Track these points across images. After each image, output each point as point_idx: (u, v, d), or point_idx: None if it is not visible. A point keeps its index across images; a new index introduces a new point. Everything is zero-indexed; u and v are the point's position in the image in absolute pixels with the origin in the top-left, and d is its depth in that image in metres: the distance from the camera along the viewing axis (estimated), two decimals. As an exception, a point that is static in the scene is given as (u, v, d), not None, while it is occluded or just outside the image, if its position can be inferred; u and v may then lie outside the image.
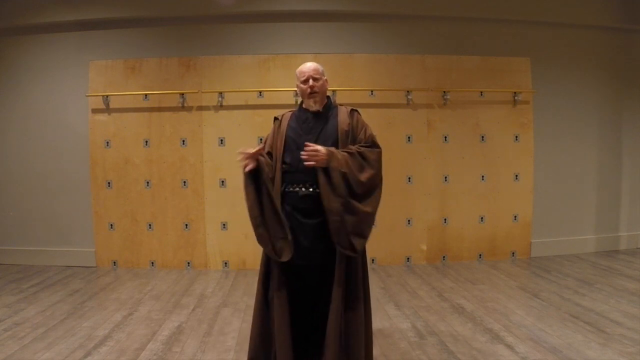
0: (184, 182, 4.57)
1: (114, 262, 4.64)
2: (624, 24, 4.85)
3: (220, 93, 4.50)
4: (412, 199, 4.65)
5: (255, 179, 2.11)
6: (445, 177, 4.68)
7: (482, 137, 4.71)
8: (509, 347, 2.64)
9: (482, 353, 2.57)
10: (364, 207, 2.11)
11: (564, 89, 4.83)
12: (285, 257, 2.10)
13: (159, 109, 4.57)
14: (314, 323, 2.22)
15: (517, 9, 4.63)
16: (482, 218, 4.73)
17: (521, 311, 3.22)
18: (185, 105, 4.53)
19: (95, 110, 4.59)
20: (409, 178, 4.64)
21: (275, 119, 2.38)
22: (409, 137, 4.64)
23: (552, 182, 4.83)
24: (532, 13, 4.66)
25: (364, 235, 2.12)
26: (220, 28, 4.57)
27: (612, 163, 5.00)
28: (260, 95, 4.54)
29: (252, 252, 4.51)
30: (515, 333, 2.83)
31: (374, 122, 4.36)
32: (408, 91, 4.57)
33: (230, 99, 4.53)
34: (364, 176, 2.13)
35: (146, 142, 4.58)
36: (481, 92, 4.67)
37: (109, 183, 4.60)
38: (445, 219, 4.69)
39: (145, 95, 4.53)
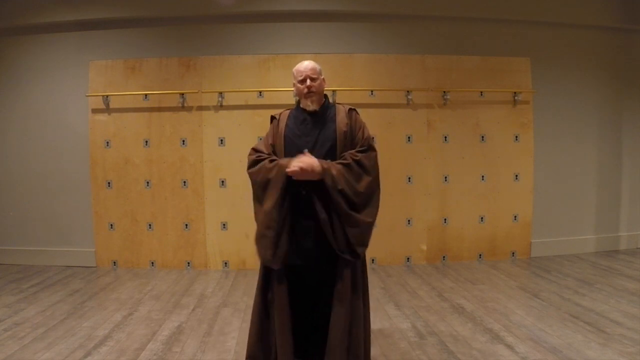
0: (184, 182, 4.57)
1: (114, 262, 4.64)
2: (624, 24, 4.85)
3: (220, 93, 4.50)
4: (412, 199, 4.65)
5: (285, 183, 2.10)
6: (445, 177, 4.68)
7: (482, 137, 4.71)
8: (509, 347, 2.64)
9: (482, 353, 2.57)
10: (365, 218, 2.14)
11: (564, 89, 4.83)
12: (276, 265, 2.10)
13: (159, 109, 4.57)
14: (314, 323, 2.23)
15: (517, 9, 4.63)
16: (482, 218, 4.73)
17: (521, 311, 3.22)
18: (185, 105, 4.53)
19: (95, 110, 4.59)
20: (409, 178, 4.64)
21: (273, 118, 2.37)
22: (409, 137, 4.64)
23: (552, 182, 4.83)
24: (532, 13, 4.66)
25: (366, 244, 2.16)
26: (220, 28, 4.57)
27: (612, 163, 5.00)
28: (260, 95, 4.54)
29: (252, 252, 4.46)
30: (515, 333, 2.83)
31: (374, 122, 4.41)
32: (408, 91, 4.57)
33: (230, 99, 4.53)
34: (361, 186, 2.14)
35: (146, 142, 4.58)
36: (481, 92, 4.67)
37: (109, 183, 4.60)
38: (445, 219, 4.69)
39: (145, 95, 4.53)
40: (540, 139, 4.78)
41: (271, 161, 2.17)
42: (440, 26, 4.66)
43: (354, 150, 2.18)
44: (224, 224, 4.57)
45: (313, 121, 2.23)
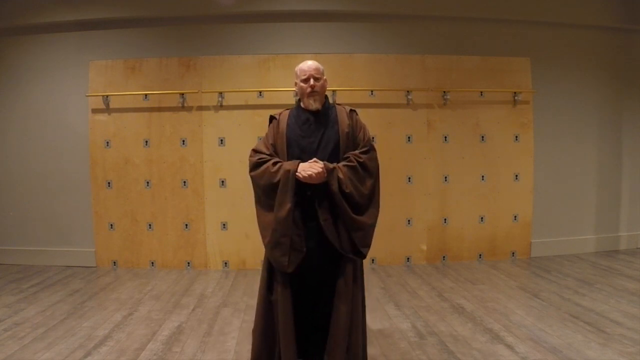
0: (184, 182, 4.57)
1: (114, 262, 4.64)
2: (624, 24, 4.85)
3: (220, 93, 4.50)
4: (412, 199, 4.65)
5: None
6: (445, 177, 4.68)
7: (482, 137, 4.71)
8: (509, 347, 2.64)
9: (482, 353, 2.57)
10: (368, 220, 2.18)
11: (564, 89, 4.83)
12: (291, 269, 2.10)
13: (159, 109, 4.57)
14: (314, 323, 2.23)
15: (517, 9, 4.63)
16: (482, 218, 4.73)
17: (521, 311, 3.22)
18: (185, 105, 4.53)
19: (95, 110, 4.59)
20: (409, 178, 4.64)
21: (273, 118, 2.35)
22: (409, 137, 4.64)
23: (552, 182, 4.83)
24: (532, 13, 4.66)
25: (369, 245, 2.19)
26: (220, 28, 4.57)
27: (612, 163, 5.00)
28: (260, 95, 4.54)
29: (252, 252, 4.51)
30: (515, 333, 2.83)
31: (374, 122, 4.41)
32: (408, 91, 4.57)
33: (230, 99, 4.53)
34: (365, 187, 2.17)
35: (146, 142, 4.58)
36: (481, 92, 4.67)
37: (109, 183, 4.60)
38: (445, 219, 4.69)
39: (145, 95, 4.53)
40: (540, 139, 4.78)
41: (274, 163, 2.15)
42: (440, 26, 4.66)
43: (357, 151, 2.19)
44: (224, 224, 4.57)
45: (316, 122, 2.23)
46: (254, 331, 2.27)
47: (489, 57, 4.69)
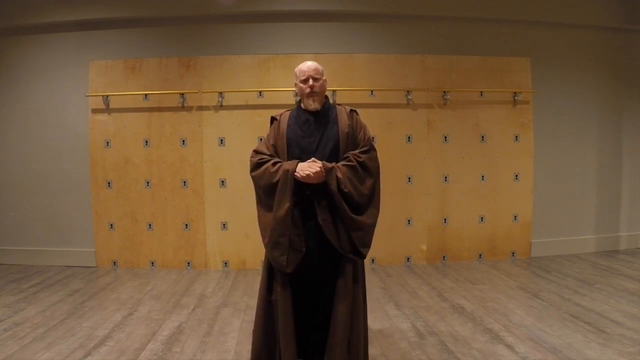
0: (184, 182, 4.57)
1: (114, 262, 4.64)
2: (624, 24, 4.85)
3: (220, 93, 4.50)
4: (412, 199, 4.65)
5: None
6: (445, 177, 4.68)
7: (482, 137, 4.71)
8: (509, 347, 2.64)
9: (482, 353, 2.57)
10: (368, 220, 2.18)
11: (564, 89, 4.83)
12: (290, 269, 2.10)
13: (159, 109, 4.57)
14: (314, 323, 2.23)
15: (517, 9, 4.63)
16: (482, 218, 4.73)
17: (521, 311, 3.22)
18: (185, 105, 4.53)
19: (95, 110, 4.59)
20: (409, 178, 4.64)
21: (273, 119, 2.36)
22: (409, 137, 4.64)
23: (552, 182, 4.83)
24: (532, 13, 4.66)
25: (369, 245, 2.20)
26: (220, 28, 4.57)
27: (612, 163, 5.00)
28: (260, 95, 4.54)
29: (252, 252, 4.51)
30: (515, 333, 2.83)
31: (374, 122, 4.41)
32: (408, 91, 4.57)
33: (230, 99, 4.53)
34: (365, 187, 2.16)
35: (146, 142, 4.58)
36: (481, 92, 4.67)
37: (109, 183, 4.60)
38: (445, 219, 4.69)
39: (145, 95, 4.53)
40: (540, 139, 4.78)
41: (274, 164, 2.16)
42: (440, 26, 4.66)
43: (357, 151, 2.19)
44: (224, 224, 4.57)
45: (315, 122, 2.23)
46: (254, 331, 2.27)
47: (489, 57, 4.69)
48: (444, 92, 4.59)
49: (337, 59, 4.54)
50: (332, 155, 2.19)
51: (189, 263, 4.60)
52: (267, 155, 2.23)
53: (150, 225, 4.60)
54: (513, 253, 4.79)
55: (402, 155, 4.62)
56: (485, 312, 3.22)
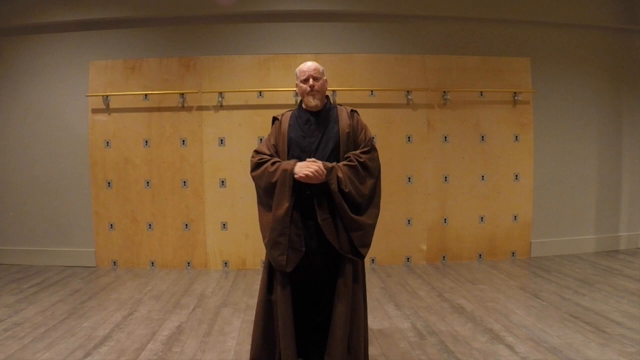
0: (184, 182, 4.57)
1: (114, 262, 4.64)
2: (624, 24, 4.85)
3: (220, 93, 4.50)
4: (412, 199, 4.65)
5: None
6: (445, 177, 4.68)
7: (482, 137, 4.71)
8: (509, 347, 2.64)
9: (482, 353, 2.57)
10: (368, 220, 2.18)
11: (564, 89, 4.83)
12: (290, 269, 2.11)
13: (159, 109, 4.57)
14: (314, 323, 2.23)
15: (517, 9, 4.63)
16: (482, 218, 4.73)
17: (521, 311, 3.22)
18: (185, 105, 4.53)
19: (95, 110, 4.59)
20: (409, 178, 4.64)
21: (275, 119, 2.38)
22: (409, 137, 4.64)
23: (552, 182, 4.83)
24: (532, 13, 4.66)
25: (368, 245, 2.20)
26: (220, 28, 4.57)
27: (612, 163, 5.00)
28: (260, 95, 4.54)
29: (252, 252, 4.51)
30: (515, 333, 2.83)
31: (374, 122, 4.40)
32: (408, 91, 4.57)
33: (230, 99, 4.53)
34: (365, 187, 2.17)
35: (146, 142, 4.58)
36: (481, 92, 4.67)
37: (109, 183, 4.60)
38: (445, 219, 4.69)
39: (145, 95, 4.53)
40: (540, 139, 4.78)
41: (273, 163, 2.16)
42: (440, 26, 4.66)
43: (358, 151, 2.19)
44: (224, 224, 4.57)
45: (316, 122, 2.23)
46: (254, 330, 2.27)
47: (489, 57, 4.69)
48: (444, 92, 4.59)
49: (337, 59, 4.54)
50: (333, 156, 2.19)
51: (189, 263, 4.60)
52: (267, 155, 2.23)
53: (150, 225, 4.60)
54: (513, 253, 4.79)
55: (402, 155, 4.62)
56: (485, 312, 3.22)
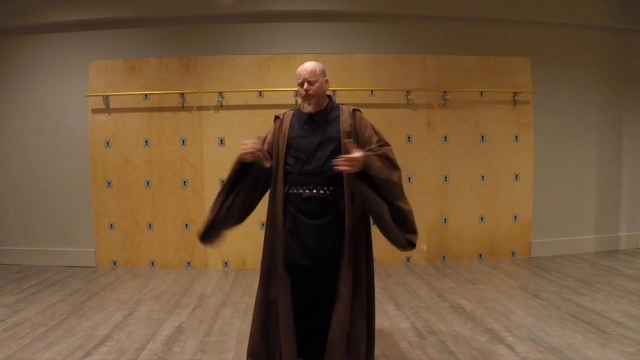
0: (184, 182, 4.57)
1: (114, 262, 4.64)
2: (624, 24, 4.84)
3: (220, 93, 4.50)
4: (412, 199, 4.56)
5: (242, 171, 2.27)
6: (445, 177, 4.68)
7: (482, 137, 4.71)
8: (509, 347, 2.64)
9: (482, 353, 2.57)
10: (408, 206, 2.18)
11: (564, 89, 4.83)
12: (206, 242, 2.30)
13: (159, 109, 4.57)
14: (315, 323, 2.24)
15: (517, 9, 4.63)
16: (482, 218, 4.73)
17: (521, 311, 3.22)
18: (185, 105, 4.53)
19: (95, 110, 4.59)
20: (409, 178, 4.64)
21: (277, 117, 2.38)
22: (409, 137, 4.64)
23: (552, 182, 4.83)
24: (532, 13, 4.66)
25: (416, 230, 2.17)
26: (220, 28, 4.57)
27: (612, 163, 5.00)
28: (260, 95, 4.53)
29: (252, 252, 4.51)
30: (515, 333, 2.83)
31: (374, 122, 4.32)
32: (408, 91, 4.57)
33: (230, 99, 4.53)
34: (395, 177, 2.15)
35: (146, 142, 4.58)
36: (481, 92, 4.67)
37: (109, 183, 4.60)
38: (445, 219, 4.69)
39: (145, 95, 4.53)
40: (540, 138, 4.77)
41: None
42: (440, 26, 4.66)
43: (374, 146, 2.17)
44: (224, 224, 4.57)
45: (316, 122, 2.23)
46: (251, 328, 2.29)
47: (489, 57, 4.69)
48: (444, 92, 4.59)
49: (337, 59, 4.54)
50: (333, 156, 2.18)
51: (189, 263, 4.60)
52: None
53: (150, 225, 4.60)
54: (513, 253, 4.79)
55: (402, 155, 4.53)
56: (485, 312, 3.22)
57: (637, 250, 5.02)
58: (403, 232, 2.10)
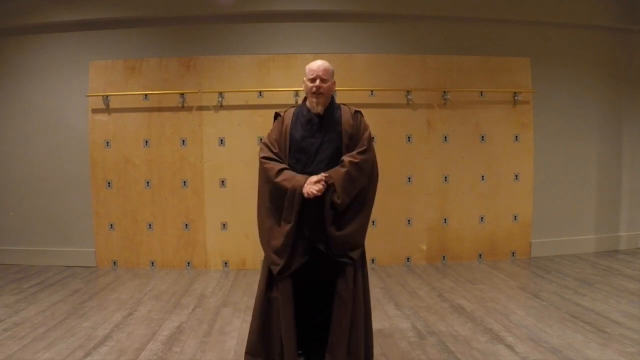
0: (184, 182, 4.57)
1: (114, 262, 4.64)
2: (624, 24, 4.84)
3: (220, 93, 4.50)
4: (412, 199, 4.65)
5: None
6: (445, 177, 4.68)
7: (482, 137, 4.71)
8: (509, 347, 2.64)
9: (482, 353, 2.57)
10: (352, 228, 2.16)
11: (564, 89, 4.83)
12: (288, 272, 2.14)
13: (159, 109, 4.57)
14: (316, 322, 2.24)
15: (517, 9, 4.63)
16: (482, 218, 4.73)
17: (521, 311, 3.22)
18: (185, 105, 4.53)
19: (95, 110, 4.59)
20: (409, 178, 4.64)
21: (278, 115, 2.36)
22: (409, 137, 4.64)
23: (552, 182, 4.83)
24: (532, 13, 4.66)
25: (360, 246, 2.21)
26: (220, 28, 4.57)
27: (612, 163, 5.00)
28: (260, 95, 4.53)
29: (252, 252, 4.51)
30: (515, 333, 2.83)
31: (374, 122, 4.36)
32: (408, 91, 4.57)
33: (230, 99, 4.53)
34: (355, 189, 2.16)
35: (146, 142, 4.58)
36: (481, 92, 4.67)
37: (109, 183, 4.60)
38: (445, 219, 4.69)
39: (145, 95, 4.53)
40: (540, 138, 4.77)
41: (280, 171, 2.16)
42: (440, 26, 4.66)
43: (354, 152, 2.18)
44: (224, 224, 4.57)
45: (319, 122, 2.22)
46: (251, 325, 2.29)
47: (489, 57, 4.69)
48: (444, 92, 4.59)
49: (337, 59, 4.53)
50: (334, 157, 2.19)
51: (189, 263, 4.60)
52: (273, 154, 2.23)
53: (150, 225, 4.60)
54: (513, 253, 4.79)
55: (402, 155, 4.62)
56: (485, 312, 3.22)
57: (637, 250, 5.02)
58: (349, 249, 2.16)
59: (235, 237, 4.57)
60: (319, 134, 2.21)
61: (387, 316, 3.18)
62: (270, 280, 2.23)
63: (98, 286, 3.99)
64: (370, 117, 4.32)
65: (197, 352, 2.64)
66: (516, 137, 4.74)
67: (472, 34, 4.69)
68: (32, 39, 4.63)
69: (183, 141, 4.57)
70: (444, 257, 4.71)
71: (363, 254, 2.29)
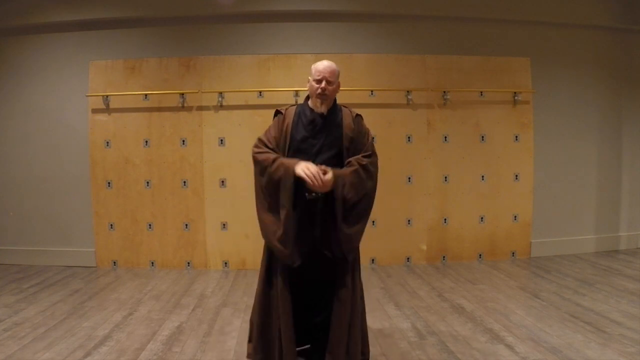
0: (184, 182, 4.57)
1: (114, 262, 4.64)
2: (624, 24, 4.84)
3: (220, 93, 4.50)
4: (412, 199, 4.65)
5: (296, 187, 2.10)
6: (445, 177, 4.68)
7: (482, 137, 4.71)
8: (509, 347, 2.64)
9: (482, 353, 2.57)
10: (358, 226, 2.17)
11: (564, 89, 4.83)
12: (298, 262, 2.13)
13: (159, 109, 4.57)
14: (316, 322, 2.25)
15: (517, 9, 4.63)
16: (482, 218, 4.73)
17: (521, 311, 3.22)
18: (185, 105, 4.53)
19: (95, 110, 4.59)
20: (409, 178, 4.64)
21: (278, 112, 2.34)
22: (409, 137, 4.64)
23: (552, 182, 4.83)
24: (532, 13, 4.66)
25: (355, 248, 2.23)
26: (220, 28, 4.57)
27: (612, 163, 5.00)
28: (260, 95, 4.53)
29: (252, 252, 4.51)
30: (515, 333, 2.83)
31: (374, 122, 4.40)
32: (408, 91, 4.57)
33: (230, 99, 4.53)
34: (362, 192, 2.16)
35: (146, 142, 4.58)
36: (481, 92, 4.67)
37: (109, 183, 4.60)
38: (445, 219, 4.69)
39: (145, 95, 4.53)
40: (540, 138, 4.77)
41: (274, 161, 2.14)
42: (440, 26, 4.66)
43: (360, 156, 2.19)
44: (223, 224, 4.57)
45: (321, 124, 2.22)
46: (250, 324, 2.29)
47: (489, 57, 4.69)
48: (444, 92, 4.59)
49: (337, 59, 4.44)
50: (334, 160, 2.18)
51: (189, 263, 4.60)
52: (269, 148, 2.23)
53: (150, 225, 4.60)
54: (513, 253, 4.79)
55: (402, 155, 4.62)
56: (485, 312, 3.22)
57: (637, 250, 5.02)
58: (346, 250, 2.16)
59: (235, 237, 4.57)
60: (321, 135, 2.20)
61: (387, 316, 3.18)
62: (268, 279, 2.23)
63: (98, 286, 3.99)
64: (370, 117, 4.32)
65: (197, 352, 2.64)
66: (516, 137, 4.74)
67: (472, 34, 4.69)
68: (32, 39, 4.63)
69: (183, 141, 4.57)
70: (444, 257, 4.71)
71: (358, 255, 2.30)
